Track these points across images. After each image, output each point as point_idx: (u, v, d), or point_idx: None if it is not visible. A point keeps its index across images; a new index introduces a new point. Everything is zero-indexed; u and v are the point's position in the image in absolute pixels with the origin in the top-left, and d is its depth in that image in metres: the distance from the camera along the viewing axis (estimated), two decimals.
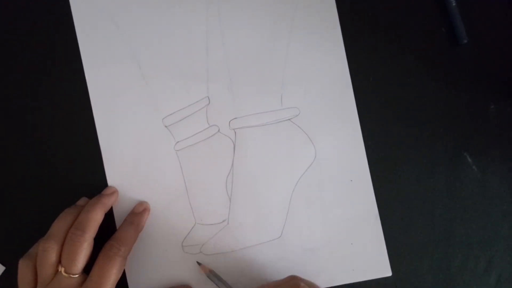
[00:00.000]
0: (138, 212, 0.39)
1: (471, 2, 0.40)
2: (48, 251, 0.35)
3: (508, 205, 0.39)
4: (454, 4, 0.40)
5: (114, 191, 0.39)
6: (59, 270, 0.35)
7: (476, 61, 0.40)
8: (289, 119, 0.40)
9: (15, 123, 0.40)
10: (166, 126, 0.40)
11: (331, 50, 0.40)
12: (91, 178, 0.40)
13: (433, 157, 0.40)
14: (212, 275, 0.38)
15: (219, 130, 0.40)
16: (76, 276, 0.35)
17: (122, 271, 0.36)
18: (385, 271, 0.39)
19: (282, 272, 0.39)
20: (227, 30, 0.40)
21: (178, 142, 0.40)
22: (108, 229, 0.38)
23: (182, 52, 0.40)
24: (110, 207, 0.39)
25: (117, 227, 0.39)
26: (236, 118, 0.40)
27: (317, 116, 0.40)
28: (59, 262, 0.35)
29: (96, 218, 0.36)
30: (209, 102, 0.40)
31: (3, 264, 0.40)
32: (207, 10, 0.40)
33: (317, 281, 0.39)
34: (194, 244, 0.39)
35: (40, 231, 0.37)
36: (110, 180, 0.40)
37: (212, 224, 0.39)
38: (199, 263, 0.39)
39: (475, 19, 0.40)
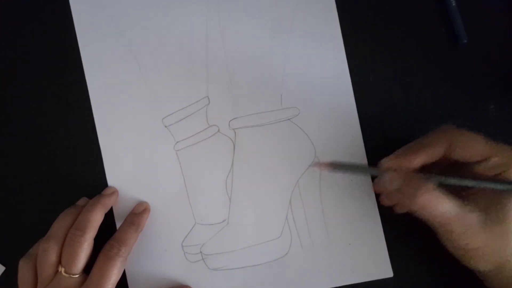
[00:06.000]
0: (138, 212, 0.39)
1: (471, 2, 0.40)
2: (48, 251, 0.35)
3: None
4: (454, 4, 0.40)
5: (114, 191, 0.39)
6: (59, 270, 0.35)
7: (476, 61, 0.40)
8: (289, 119, 0.40)
9: (15, 123, 0.40)
10: (166, 126, 0.40)
11: (331, 50, 0.40)
12: (91, 178, 0.40)
13: None
14: (335, 167, 0.36)
15: (219, 130, 0.40)
16: (76, 276, 0.35)
17: (122, 271, 0.36)
18: (386, 272, 0.39)
19: (282, 272, 0.39)
20: (227, 30, 0.40)
21: (178, 142, 0.40)
22: (108, 229, 0.38)
23: (182, 52, 0.40)
24: (110, 207, 0.39)
25: (117, 227, 0.39)
26: (236, 118, 0.40)
27: (317, 116, 0.40)
28: (59, 262, 0.35)
29: (96, 218, 0.36)
30: (209, 102, 0.40)
31: (3, 264, 0.40)
32: (207, 10, 0.40)
33: (317, 282, 0.39)
34: (194, 244, 0.39)
35: (40, 231, 0.37)
36: (110, 180, 0.40)
37: (212, 224, 0.39)
38: (316, 164, 0.38)
39: (475, 19, 0.40)
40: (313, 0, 0.40)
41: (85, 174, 0.40)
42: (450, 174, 0.34)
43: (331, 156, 0.39)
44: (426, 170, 0.34)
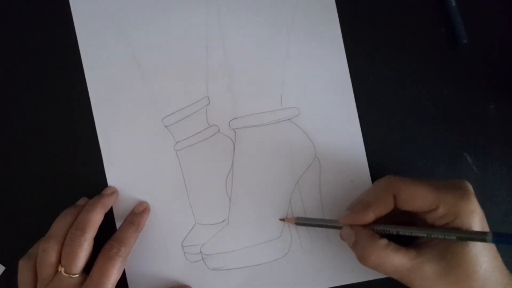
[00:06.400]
0: (138, 212, 0.39)
1: (471, 2, 0.40)
2: (48, 251, 0.35)
3: (508, 205, 0.39)
4: (454, 4, 0.40)
5: (114, 191, 0.39)
6: (59, 270, 0.35)
7: (476, 61, 0.40)
8: (289, 119, 0.40)
9: (15, 123, 0.40)
10: (166, 126, 0.40)
11: (331, 50, 0.40)
12: (91, 178, 0.40)
13: (433, 157, 0.40)
14: (300, 221, 0.38)
15: (219, 130, 0.40)
16: (76, 276, 0.35)
17: (122, 271, 0.36)
18: None
19: (282, 272, 0.39)
20: (227, 30, 0.40)
21: (178, 142, 0.40)
22: (108, 229, 0.38)
23: (182, 52, 0.40)
24: (110, 207, 0.39)
25: (117, 227, 0.39)
26: (236, 118, 0.40)
27: (317, 116, 0.40)
28: (59, 262, 0.35)
29: (96, 218, 0.36)
30: (209, 102, 0.40)
31: (3, 264, 0.40)
32: (207, 10, 0.40)
33: (317, 282, 0.39)
34: (194, 244, 0.39)
35: (40, 231, 0.37)
36: (110, 180, 0.40)
37: (212, 224, 0.39)
38: (282, 219, 0.39)
39: (475, 19, 0.40)
40: (313, 0, 0.40)
41: (85, 174, 0.40)
42: (403, 223, 0.34)
43: (331, 156, 0.39)
44: (382, 220, 0.34)
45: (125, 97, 0.40)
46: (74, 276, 0.35)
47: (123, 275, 0.39)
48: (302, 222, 0.38)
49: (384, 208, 0.33)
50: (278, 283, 0.39)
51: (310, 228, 0.39)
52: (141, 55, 0.40)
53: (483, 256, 0.31)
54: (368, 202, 0.34)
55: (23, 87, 0.41)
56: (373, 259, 0.32)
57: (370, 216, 0.33)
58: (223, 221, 0.39)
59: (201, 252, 0.39)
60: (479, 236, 0.31)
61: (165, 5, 0.40)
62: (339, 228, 0.36)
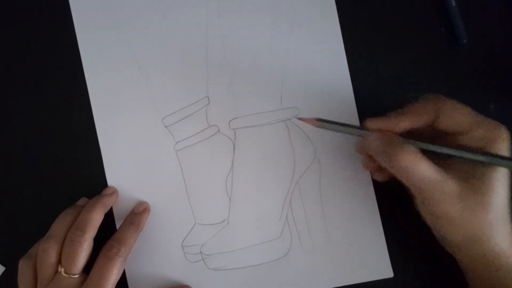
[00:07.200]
0: (138, 212, 0.39)
1: (471, 2, 0.40)
2: (48, 251, 0.35)
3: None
4: (454, 4, 0.40)
5: (114, 191, 0.39)
6: (59, 270, 0.35)
7: (476, 61, 0.40)
8: (289, 119, 0.40)
9: (15, 123, 0.40)
10: (166, 126, 0.40)
11: (331, 50, 0.40)
12: (91, 178, 0.40)
13: None
14: (321, 123, 0.36)
15: (219, 130, 0.40)
16: (76, 276, 0.35)
17: (122, 271, 0.36)
18: (387, 272, 0.39)
19: (282, 272, 0.39)
20: (227, 30, 0.40)
21: (178, 142, 0.40)
22: (108, 229, 0.38)
23: (182, 52, 0.40)
24: (110, 207, 0.39)
25: (117, 227, 0.39)
26: (236, 118, 0.40)
27: (317, 116, 0.40)
28: (59, 262, 0.35)
29: (96, 218, 0.36)
30: (209, 102, 0.40)
31: (3, 264, 0.40)
32: (207, 10, 0.40)
33: (317, 282, 0.39)
34: (194, 244, 0.39)
35: (40, 231, 0.37)
36: (110, 180, 0.40)
37: (212, 224, 0.39)
38: (300, 119, 0.37)
39: (475, 19, 0.40)
40: (313, 0, 0.40)
41: (85, 174, 0.40)
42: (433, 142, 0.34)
43: (331, 156, 0.39)
44: (410, 137, 0.33)
45: (125, 97, 0.40)
46: (74, 276, 0.35)
47: (123, 275, 0.39)
48: (323, 124, 0.36)
49: (419, 120, 0.33)
50: (278, 283, 0.39)
51: (310, 228, 0.39)
52: (141, 55, 0.40)
53: (504, 191, 0.31)
54: (406, 111, 0.33)
55: (23, 87, 0.41)
56: (403, 160, 0.31)
57: (405, 123, 0.33)
58: (223, 221, 0.40)
59: (201, 252, 0.39)
60: (509, 162, 0.31)
61: (165, 5, 0.40)
62: (362, 134, 0.34)
